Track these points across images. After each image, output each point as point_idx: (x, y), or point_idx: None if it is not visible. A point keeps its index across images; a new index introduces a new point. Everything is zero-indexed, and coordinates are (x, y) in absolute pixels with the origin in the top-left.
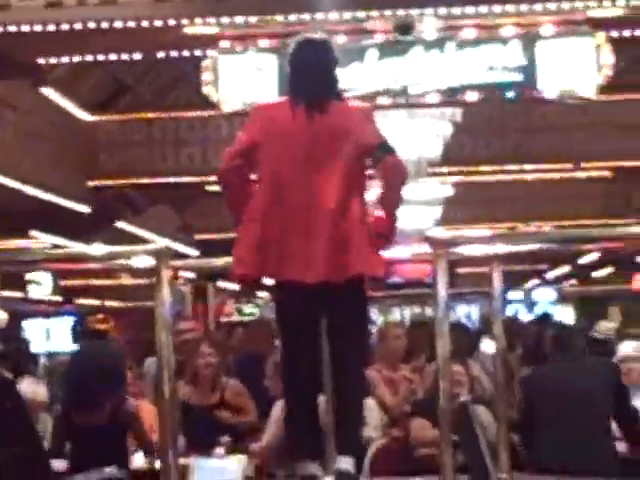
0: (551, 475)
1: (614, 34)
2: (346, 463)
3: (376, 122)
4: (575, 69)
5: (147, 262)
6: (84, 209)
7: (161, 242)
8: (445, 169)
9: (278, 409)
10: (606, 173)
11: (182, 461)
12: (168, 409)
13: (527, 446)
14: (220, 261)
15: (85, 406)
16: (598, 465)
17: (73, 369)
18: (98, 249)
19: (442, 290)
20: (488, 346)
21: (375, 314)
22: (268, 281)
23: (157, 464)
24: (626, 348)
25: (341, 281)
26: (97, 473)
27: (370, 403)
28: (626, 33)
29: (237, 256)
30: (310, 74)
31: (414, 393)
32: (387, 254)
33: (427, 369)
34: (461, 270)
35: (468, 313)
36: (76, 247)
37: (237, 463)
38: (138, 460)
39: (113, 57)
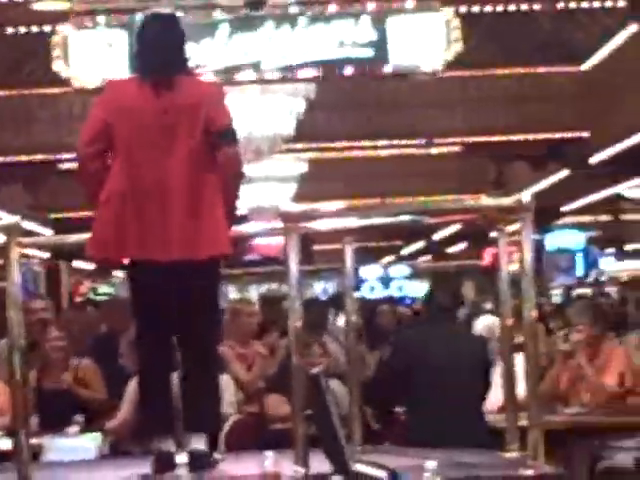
0: (420, 447)
1: (463, 10)
2: (197, 442)
3: (225, 102)
4: (425, 45)
5: None
6: None
7: (12, 219)
8: (299, 145)
9: (132, 386)
10: (457, 148)
11: (35, 441)
12: (19, 389)
13: (382, 410)
14: (72, 238)
15: None
16: (472, 436)
17: None
18: None
19: (293, 265)
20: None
21: (232, 292)
22: (124, 260)
23: (8, 444)
24: (480, 324)
25: (193, 260)
26: None
27: (225, 379)
28: (475, 9)
29: (95, 238)
30: (157, 50)
31: (268, 369)
32: (241, 230)
33: (279, 344)
34: (318, 247)
35: (325, 290)
36: None
37: (92, 441)
38: None
39: None
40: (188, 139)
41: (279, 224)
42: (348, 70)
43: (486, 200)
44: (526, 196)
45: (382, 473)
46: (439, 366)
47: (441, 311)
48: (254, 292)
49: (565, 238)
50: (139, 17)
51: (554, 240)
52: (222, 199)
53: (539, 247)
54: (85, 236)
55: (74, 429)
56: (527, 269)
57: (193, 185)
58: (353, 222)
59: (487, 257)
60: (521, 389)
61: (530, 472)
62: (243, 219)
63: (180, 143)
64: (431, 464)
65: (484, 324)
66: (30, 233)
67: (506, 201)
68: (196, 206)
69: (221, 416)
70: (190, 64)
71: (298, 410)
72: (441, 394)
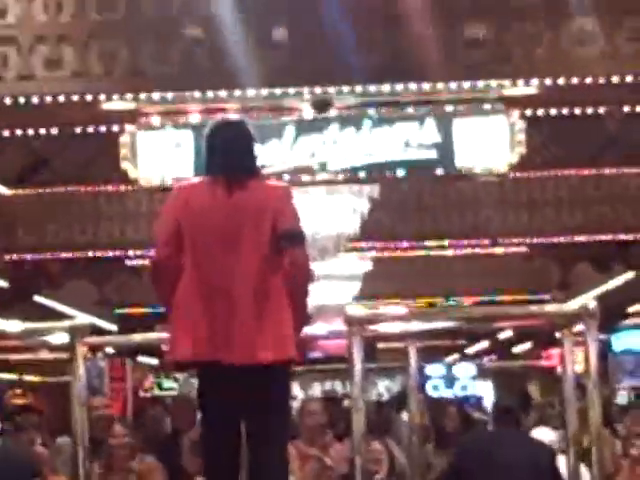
0: None
1: (528, 113)
2: None
3: (294, 203)
4: (490, 147)
5: (63, 339)
6: (1, 283)
7: (79, 316)
8: (364, 244)
9: None
10: (522, 249)
11: None
12: None
13: None
14: (137, 338)
15: None
16: None
17: None
18: (14, 326)
19: (357, 367)
20: None
21: (296, 389)
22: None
23: None
24: (540, 437)
25: (262, 364)
26: None
27: None
28: (540, 112)
29: (171, 342)
30: (228, 152)
31: (326, 471)
32: (307, 331)
33: (335, 447)
34: (381, 345)
35: (388, 388)
36: None
37: None
38: None
39: (30, 132)
40: (254, 241)
41: (343, 326)
42: (412, 172)
43: (550, 306)
44: (591, 302)
45: None
46: (504, 469)
47: (508, 414)
48: (317, 390)
49: (632, 339)
50: (210, 123)
51: (620, 341)
52: (289, 302)
53: (605, 348)
54: (149, 335)
55: None
56: (592, 373)
57: (258, 288)
58: (416, 326)
59: (552, 358)
60: None
61: None
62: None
63: (246, 245)
64: None
65: (546, 437)
66: (97, 329)
67: (570, 307)
68: (261, 309)
69: None
70: (258, 166)
71: None
72: None
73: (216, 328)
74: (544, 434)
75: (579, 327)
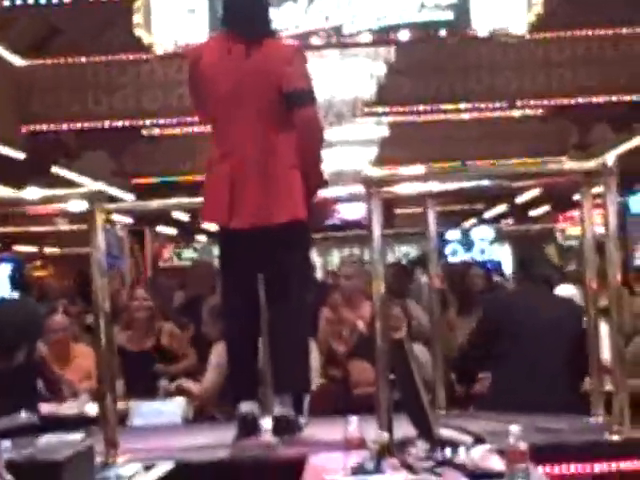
0: (507, 412)
1: None
2: (283, 406)
3: (303, 63)
4: (507, 7)
5: (81, 206)
6: (19, 155)
7: (95, 186)
8: (380, 109)
9: (216, 352)
10: (539, 111)
11: (121, 405)
12: (105, 354)
13: (470, 376)
14: (155, 204)
15: None
16: (560, 402)
17: None
18: (32, 193)
19: (377, 230)
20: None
21: (315, 256)
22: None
23: (93, 409)
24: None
25: (272, 227)
26: (9, 419)
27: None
28: None
29: (204, 203)
30: (244, 13)
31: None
32: (323, 194)
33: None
34: (399, 211)
35: (406, 254)
36: (10, 192)
37: (176, 405)
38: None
39: (43, 1)
40: (262, 101)
41: (361, 189)
42: (428, 33)
43: (569, 164)
44: (610, 159)
45: (467, 438)
46: (528, 330)
47: (534, 276)
48: (336, 256)
49: None
50: None
51: (639, 203)
52: (302, 163)
53: (623, 210)
54: (167, 201)
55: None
56: (611, 233)
57: (266, 149)
58: (435, 186)
59: (571, 221)
60: (606, 354)
61: (616, 437)
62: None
63: (254, 105)
64: (515, 429)
65: (568, 294)
66: (113, 199)
67: (590, 164)
68: (269, 171)
69: (310, 379)
70: (274, 27)
71: (382, 375)
72: (529, 358)
73: (230, 191)
74: (568, 290)
75: (597, 189)
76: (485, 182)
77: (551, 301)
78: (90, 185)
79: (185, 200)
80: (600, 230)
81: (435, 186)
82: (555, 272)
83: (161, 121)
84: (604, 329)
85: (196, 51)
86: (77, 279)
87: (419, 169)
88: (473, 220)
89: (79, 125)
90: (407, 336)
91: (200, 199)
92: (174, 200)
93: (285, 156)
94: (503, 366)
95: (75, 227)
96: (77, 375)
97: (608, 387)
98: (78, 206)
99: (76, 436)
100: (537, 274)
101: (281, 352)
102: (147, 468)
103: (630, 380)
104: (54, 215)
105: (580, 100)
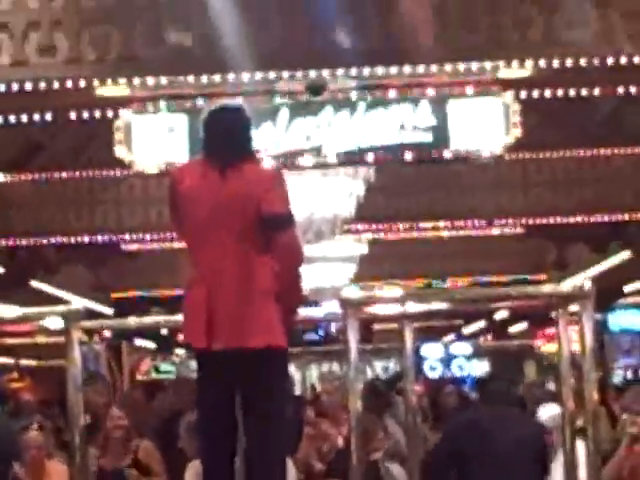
0: None
1: (523, 95)
2: None
3: (282, 187)
4: (485, 128)
5: (58, 323)
6: None
7: (75, 301)
8: (360, 227)
9: (192, 470)
10: (518, 230)
11: None
12: (79, 470)
13: None
14: (132, 321)
15: None
16: None
17: None
18: (10, 311)
19: (354, 349)
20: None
21: (293, 371)
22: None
23: None
24: (545, 414)
25: (249, 350)
26: None
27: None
28: (535, 94)
29: (184, 324)
30: (225, 136)
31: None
32: (302, 313)
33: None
34: (378, 326)
35: (385, 368)
36: None
37: None
38: None
39: (24, 118)
40: (241, 226)
41: (339, 309)
42: (408, 155)
43: (546, 287)
44: (586, 283)
45: None
46: (492, 449)
47: (499, 394)
48: (314, 371)
49: (628, 318)
50: (207, 108)
51: (617, 320)
52: (280, 286)
53: (602, 327)
54: (144, 319)
55: None
56: (588, 352)
57: (243, 274)
58: (412, 307)
59: (549, 338)
60: (583, 475)
61: None
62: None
63: (233, 230)
64: None
65: (549, 414)
66: (92, 313)
67: (566, 288)
68: (248, 295)
69: None
70: (254, 149)
71: None
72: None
73: (209, 313)
74: (550, 411)
75: (575, 307)
76: (460, 305)
77: (510, 421)
78: (69, 299)
79: (162, 318)
80: (577, 347)
81: (412, 307)
82: (513, 390)
83: (141, 236)
84: (581, 449)
85: (176, 173)
86: (58, 392)
87: (396, 291)
88: (452, 336)
89: (59, 239)
90: (384, 456)
91: (177, 317)
92: (151, 318)
93: (262, 280)
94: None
95: (52, 340)
96: None
97: None
98: (55, 323)
99: None
100: (496, 393)
101: (257, 473)
102: None
103: None
104: (31, 331)
105: (558, 219)
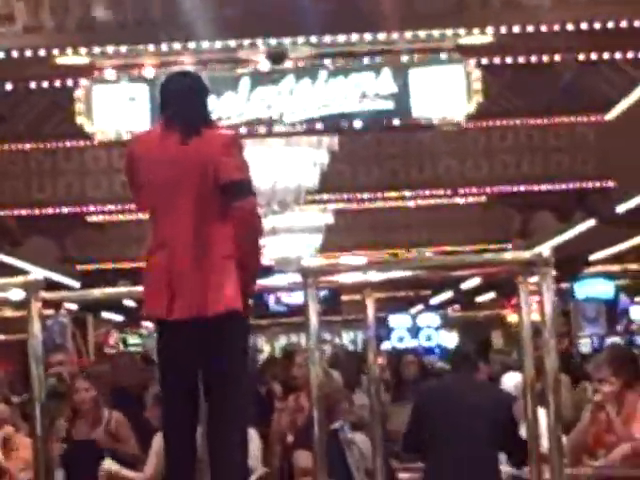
0: None
1: (484, 61)
2: None
3: (239, 152)
4: (447, 96)
5: (19, 294)
6: None
7: (40, 273)
8: (325, 197)
9: (158, 441)
10: (482, 199)
11: None
12: (41, 443)
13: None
14: (95, 293)
15: None
16: None
17: None
18: None
19: (314, 319)
20: None
21: (262, 342)
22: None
23: None
24: (509, 381)
25: (208, 318)
26: None
27: (251, 433)
28: (496, 60)
29: (144, 294)
30: (181, 102)
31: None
32: (262, 283)
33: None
34: (345, 297)
35: (353, 340)
36: None
37: None
38: None
39: None
40: (198, 192)
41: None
42: (369, 123)
43: (507, 254)
44: (546, 250)
45: None
46: (457, 417)
47: (465, 360)
48: (283, 342)
49: (594, 287)
50: (165, 74)
51: (583, 289)
52: (239, 254)
53: (568, 296)
54: (108, 290)
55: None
56: (548, 321)
57: (200, 240)
58: (374, 276)
59: (515, 307)
60: (545, 442)
61: None
62: (268, 271)
63: (190, 196)
64: None
65: (514, 382)
66: (58, 285)
67: (526, 255)
68: (205, 262)
69: (248, 468)
70: (213, 117)
71: (320, 465)
72: (459, 445)
73: (168, 282)
74: (513, 378)
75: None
76: (423, 272)
77: (473, 388)
78: (34, 272)
79: (125, 289)
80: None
81: (374, 276)
82: (477, 358)
83: (105, 207)
84: (543, 417)
85: (133, 140)
86: (20, 366)
87: (360, 259)
88: (420, 306)
89: (22, 212)
90: (350, 425)
91: (140, 288)
92: (115, 290)
93: (221, 246)
94: (432, 455)
95: (19, 314)
96: (17, 465)
97: (547, 476)
98: (17, 295)
99: None
100: (461, 361)
101: (219, 441)
102: None
103: (569, 469)
104: None
105: (522, 188)
